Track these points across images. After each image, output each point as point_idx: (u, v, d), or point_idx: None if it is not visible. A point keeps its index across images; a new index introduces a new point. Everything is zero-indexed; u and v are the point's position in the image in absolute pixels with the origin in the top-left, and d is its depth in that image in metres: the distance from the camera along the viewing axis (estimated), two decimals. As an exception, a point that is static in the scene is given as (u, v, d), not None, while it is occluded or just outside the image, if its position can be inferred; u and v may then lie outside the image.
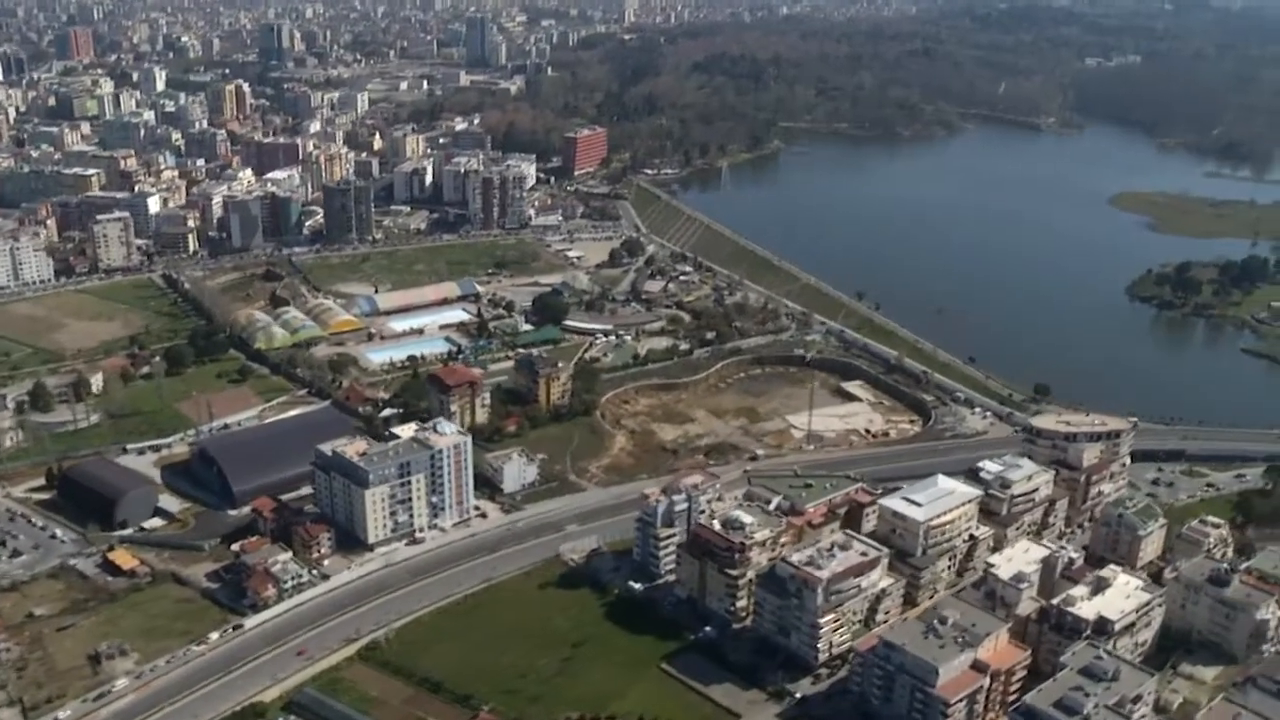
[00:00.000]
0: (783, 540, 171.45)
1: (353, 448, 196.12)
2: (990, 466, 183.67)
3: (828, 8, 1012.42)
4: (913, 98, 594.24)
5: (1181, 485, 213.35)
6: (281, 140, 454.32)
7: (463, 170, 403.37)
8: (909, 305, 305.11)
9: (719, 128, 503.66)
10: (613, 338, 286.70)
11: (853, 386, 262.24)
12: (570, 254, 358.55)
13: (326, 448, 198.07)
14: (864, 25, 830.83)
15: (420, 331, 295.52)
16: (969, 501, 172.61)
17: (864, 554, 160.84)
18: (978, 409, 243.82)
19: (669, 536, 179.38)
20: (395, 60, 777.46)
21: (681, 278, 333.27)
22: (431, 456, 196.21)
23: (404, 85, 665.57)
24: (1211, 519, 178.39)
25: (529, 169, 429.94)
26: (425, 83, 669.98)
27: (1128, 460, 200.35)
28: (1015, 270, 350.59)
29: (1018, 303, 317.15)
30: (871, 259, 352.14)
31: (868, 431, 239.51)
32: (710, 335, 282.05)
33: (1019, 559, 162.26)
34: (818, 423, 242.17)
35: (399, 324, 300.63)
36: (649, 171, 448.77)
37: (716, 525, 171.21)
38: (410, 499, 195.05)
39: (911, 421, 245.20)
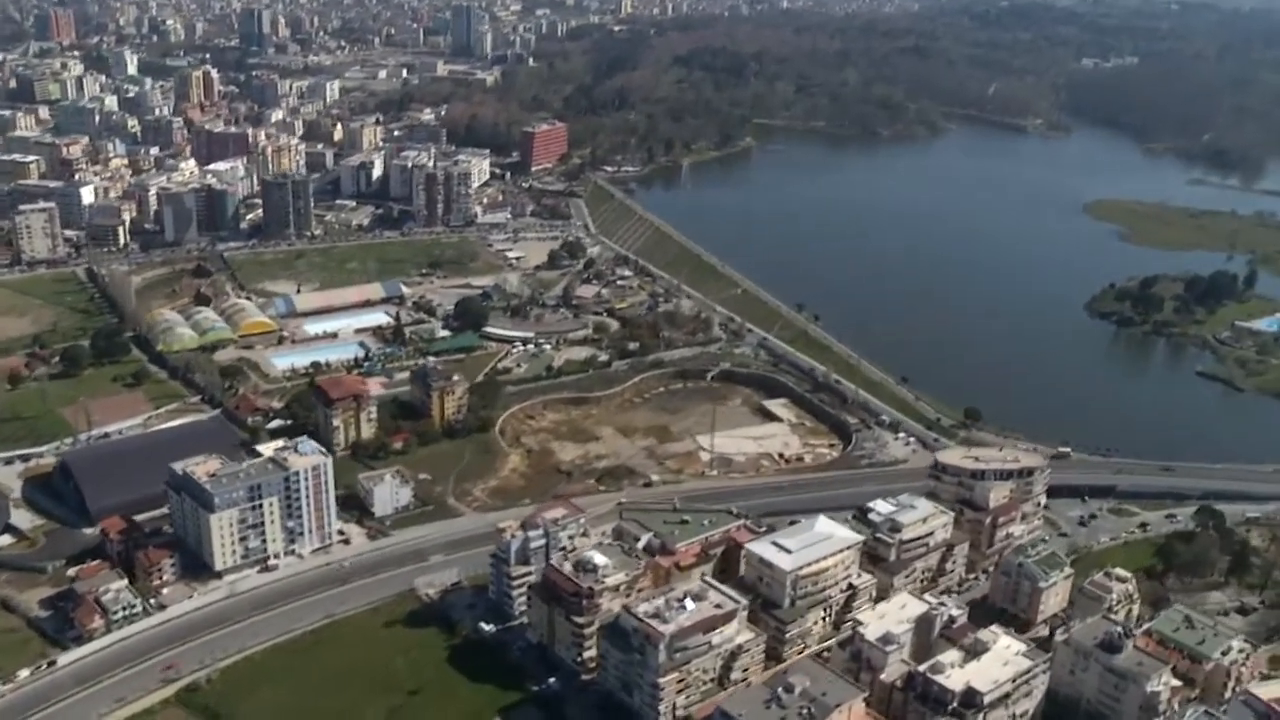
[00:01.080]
0: (640, 585, 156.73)
1: (203, 467, 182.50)
2: (881, 507, 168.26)
3: (830, 2, 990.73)
4: (896, 96, 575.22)
5: (1107, 525, 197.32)
6: (232, 130, 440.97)
7: (410, 165, 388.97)
8: (851, 317, 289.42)
9: (688, 124, 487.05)
10: (531, 346, 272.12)
11: (775, 405, 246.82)
12: (510, 254, 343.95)
13: (179, 466, 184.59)
14: (860, 21, 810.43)
15: (334, 335, 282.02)
16: (848, 547, 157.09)
17: (719, 606, 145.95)
18: (901, 434, 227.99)
19: (522, 576, 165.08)
20: (380, 48, 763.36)
21: (619, 282, 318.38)
22: (286, 479, 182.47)
23: (382, 74, 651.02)
24: (1117, 571, 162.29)
25: (482, 164, 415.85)
26: (405, 71, 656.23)
27: (1043, 499, 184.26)
28: (973, 281, 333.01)
29: (970, 316, 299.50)
30: (822, 266, 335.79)
31: (780, 456, 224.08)
32: (632, 346, 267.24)
33: (892, 616, 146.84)
34: (730, 445, 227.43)
35: (314, 327, 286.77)
36: (608, 169, 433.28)
37: (568, 567, 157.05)
38: (262, 523, 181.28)
39: (831, 446, 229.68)
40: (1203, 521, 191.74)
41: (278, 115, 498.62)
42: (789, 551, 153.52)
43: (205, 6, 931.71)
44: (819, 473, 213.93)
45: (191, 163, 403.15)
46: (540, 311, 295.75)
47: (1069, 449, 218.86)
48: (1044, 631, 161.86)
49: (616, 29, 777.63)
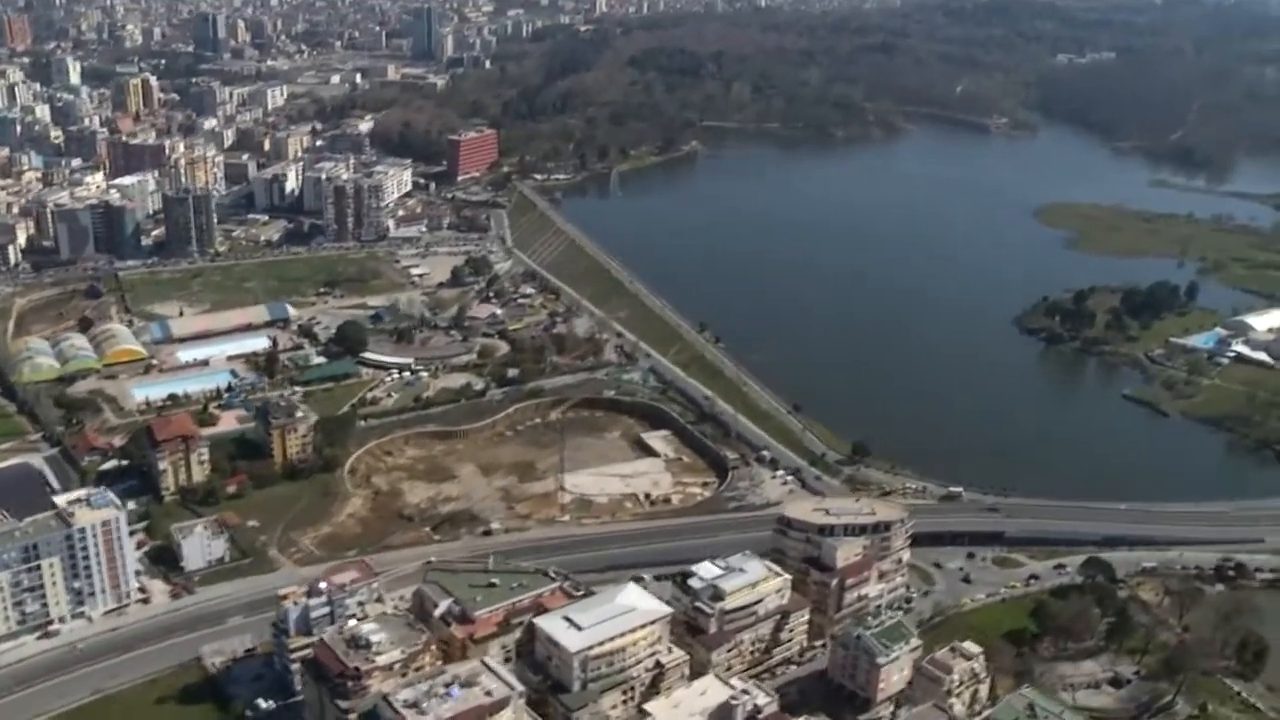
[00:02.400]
0: (421, 663, 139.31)
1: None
2: (705, 570, 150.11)
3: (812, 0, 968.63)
4: (856, 96, 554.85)
5: (988, 579, 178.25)
6: (149, 142, 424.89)
7: (325, 177, 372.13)
8: (756, 338, 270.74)
9: (630, 128, 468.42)
10: (407, 374, 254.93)
11: (654, 438, 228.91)
12: (415, 271, 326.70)
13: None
14: (833, 18, 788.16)
15: (205, 363, 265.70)
16: (654, 621, 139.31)
17: (489, 693, 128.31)
18: (781, 471, 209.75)
19: (302, 648, 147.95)
20: (340, 51, 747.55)
21: (519, 301, 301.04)
22: (69, 536, 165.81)
23: (335, 79, 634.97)
24: (964, 646, 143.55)
25: (403, 174, 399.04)
26: (359, 76, 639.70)
27: (905, 555, 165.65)
28: (900, 293, 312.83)
29: (887, 335, 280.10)
30: (740, 280, 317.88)
31: (646, 497, 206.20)
32: (512, 373, 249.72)
33: (688, 705, 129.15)
34: (594, 484, 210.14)
35: (188, 354, 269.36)
36: (538, 176, 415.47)
37: (341, 641, 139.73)
38: (42, 585, 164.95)
39: (705, 485, 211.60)
40: (1089, 574, 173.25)
41: (210, 124, 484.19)
42: (579, 628, 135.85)
43: (173, 10, 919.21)
44: (680, 518, 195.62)
45: (99, 176, 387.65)
46: (428, 335, 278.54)
47: (961, 489, 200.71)
48: (886, 712, 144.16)
49: (583, 29, 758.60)
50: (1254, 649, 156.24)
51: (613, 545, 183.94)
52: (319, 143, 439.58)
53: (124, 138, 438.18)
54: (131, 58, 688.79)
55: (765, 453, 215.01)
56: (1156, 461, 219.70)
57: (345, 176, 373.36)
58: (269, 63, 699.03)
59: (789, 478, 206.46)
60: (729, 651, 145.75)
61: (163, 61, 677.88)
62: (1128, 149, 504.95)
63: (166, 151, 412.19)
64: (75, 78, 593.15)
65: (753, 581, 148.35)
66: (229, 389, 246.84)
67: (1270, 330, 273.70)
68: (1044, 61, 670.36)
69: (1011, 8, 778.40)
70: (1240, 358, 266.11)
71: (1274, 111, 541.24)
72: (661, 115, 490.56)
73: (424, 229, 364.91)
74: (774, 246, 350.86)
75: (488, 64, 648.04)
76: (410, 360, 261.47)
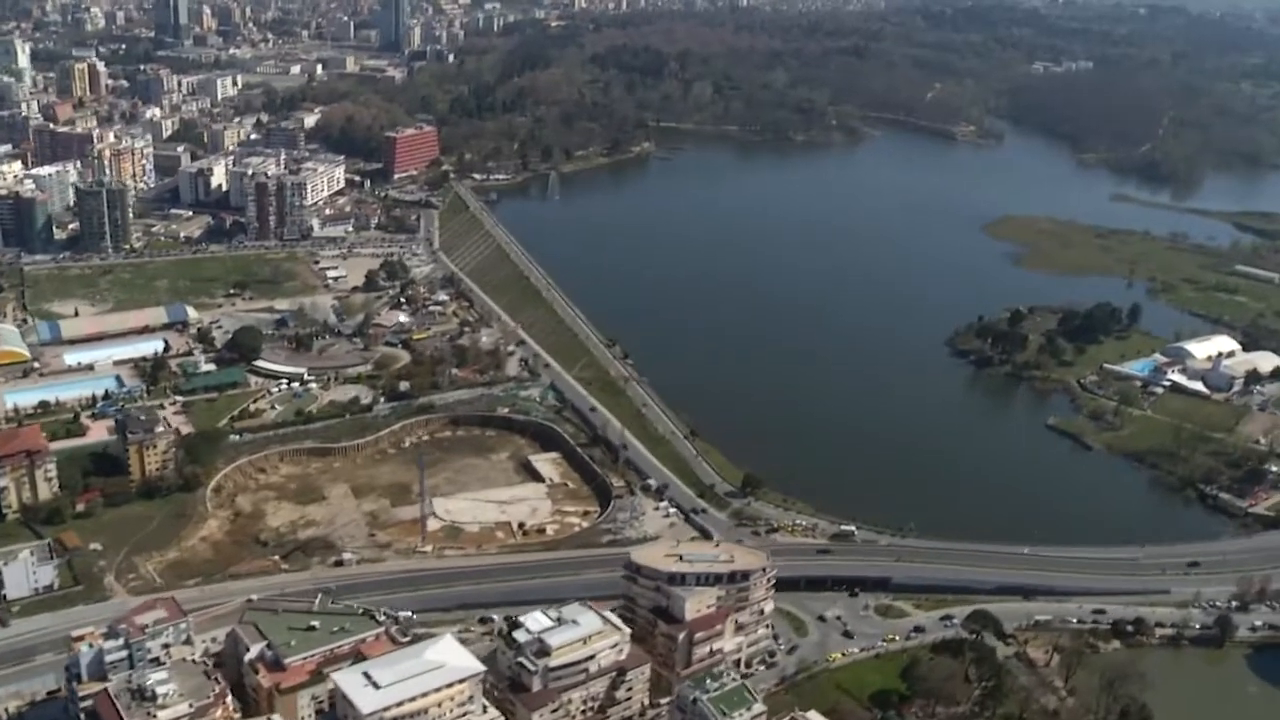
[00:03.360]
0: (209, 718, 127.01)
1: None
2: (535, 621, 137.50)
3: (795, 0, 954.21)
4: (820, 100, 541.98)
5: (868, 630, 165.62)
6: (77, 130, 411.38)
7: (251, 172, 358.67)
8: (669, 354, 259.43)
9: (580, 128, 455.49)
10: (296, 385, 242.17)
11: (542, 461, 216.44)
12: (331, 273, 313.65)
13: None
14: (810, 20, 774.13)
15: (91, 368, 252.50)
16: (463, 680, 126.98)
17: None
18: (665, 502, 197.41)
19: (91, 696, 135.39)
20: (307, 41, 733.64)
21: (431, 308, 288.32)
22: None
23: (295, 69, 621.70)
24: (807, 717, 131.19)
25: (335, 171, 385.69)
26: (320, 67, 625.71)
27: (767, 606, 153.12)
28: (833, 310, 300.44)
29: (812, 355, 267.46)
30: (666, 290, 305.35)
31: (520, 526, 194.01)
32: (404, 386, 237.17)
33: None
34: (468, 510, 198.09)
35: (74, 357, 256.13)
36: (477, 176, 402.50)
37: (126, 691, 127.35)
38: None
39: (585, 514, 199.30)
40: (973, 628, 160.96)
41: (152, 113, 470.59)
42: (377, 686, 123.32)
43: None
44: (550, 552, 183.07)
45: (17, 165, 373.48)
46: (329, 342, 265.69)
47: (853, 528, 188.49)
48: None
49: (553, 24, 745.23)
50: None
51: (468, 581, 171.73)
52: (253, 136, 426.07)
53: (57, 125, 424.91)
54: (91, 41, 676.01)
55: (651, 482, 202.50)
56: (1072, 500, 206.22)
57: (272, 172, 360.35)
58: (232, 51, 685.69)
59: (672, 510, 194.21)
60: (554, 712, 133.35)
61: (122, 46, 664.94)
62: (1093, 161, 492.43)
63: (96, 141, 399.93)
64: (24, 60, 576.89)
65: (585, 635, 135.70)
66: (105, 396, 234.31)
67: (1210, 358, 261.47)
68: (1019, 69, 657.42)
69: (991, 14, 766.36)
70: (1176, 387, 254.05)
71: (1243, 128, 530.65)
72: (613, 115, 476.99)
73: (350, 229, 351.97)
74: (708, 256, 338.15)
75: (451, 58, 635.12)
76: (303, 370, 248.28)
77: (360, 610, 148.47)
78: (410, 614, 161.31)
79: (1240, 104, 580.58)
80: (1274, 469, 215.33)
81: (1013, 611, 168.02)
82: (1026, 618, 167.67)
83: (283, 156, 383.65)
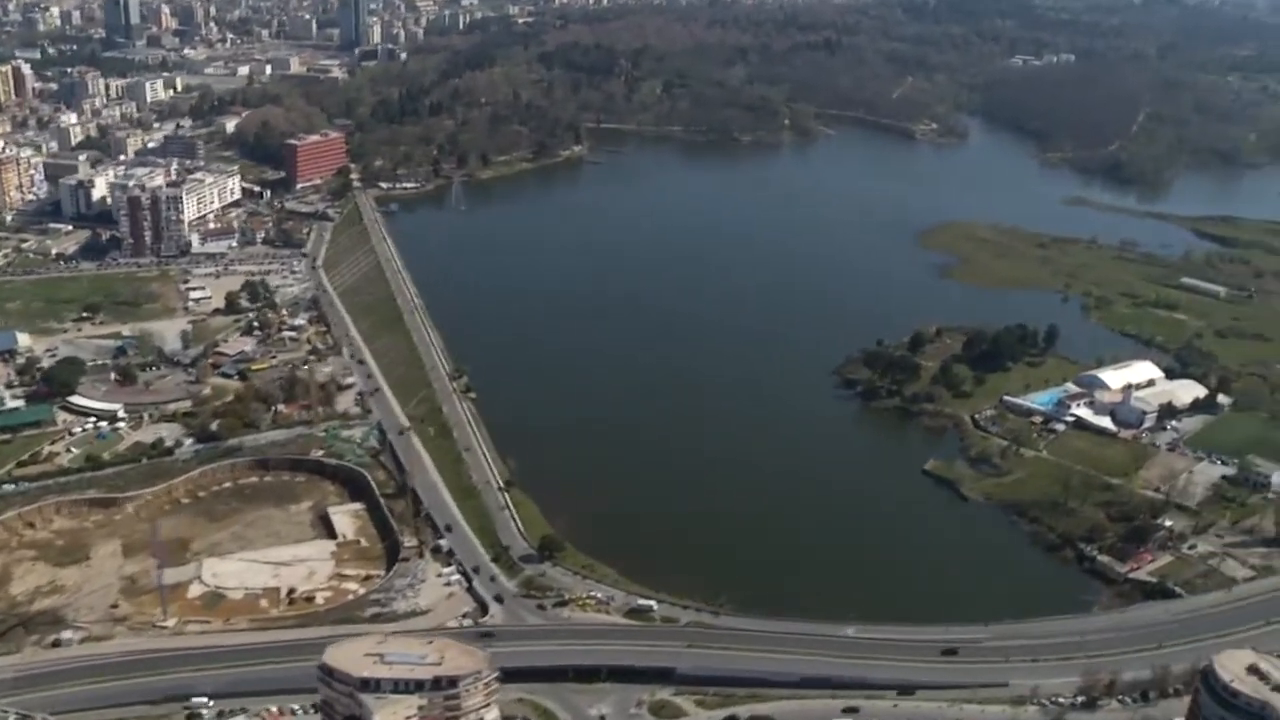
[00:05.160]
0: None
1: None
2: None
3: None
4: (776, 98, 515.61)
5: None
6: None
7: (133, 185, 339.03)
8: (520, 388, 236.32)
9: (508, 131, 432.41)
10: (105, 424, 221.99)
11: (343, 513, 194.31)
12: (194, 294, 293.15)
13: None
14: (786, 13, 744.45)
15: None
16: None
17: None
18: (452, 567, 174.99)
19: None
20: (266, 41, 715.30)
21: (286, 333, 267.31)
22: None
23: (243, 70, 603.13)
24: None
25: (228, 182, 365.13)
26: (269, 68, 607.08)
27: (486, 715, 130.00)
28: (731, 332, 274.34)
29: (681, 388, 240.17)
30: (544, 312, 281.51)
31: (291, 593, 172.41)
32: (214, 426, 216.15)
33: None
34: (242, 573, 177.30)
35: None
36: (384, 185, 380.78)
37: None
38: None
39: (368, 578, 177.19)
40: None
41: (67, 119, 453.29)
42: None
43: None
44: (302, 628, 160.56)
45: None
46: (161, 374, 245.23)
47: (654, 602, 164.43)
48: None
49: (520, 20, 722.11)
50: None
51: (190, 666, 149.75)
52: (151, 144, 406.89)
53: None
54: (41, 41, 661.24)
55: (443, 542, 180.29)
56: (928, 564, 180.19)
57: (157, 184, 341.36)
58: (186, 51, 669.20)
59: (455, 577, 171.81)
60: None
61: (72, 47, 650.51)
62: (1056, 161, 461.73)
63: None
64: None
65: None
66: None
67: (1123, 388, 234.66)
68: (997, 63, 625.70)
69: (976, 5, 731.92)
70: (1079, 423, 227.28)
71: (1222, 124, 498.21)
72: (545, 117, 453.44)
73: (234, 244, 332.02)
74: (609, 270, 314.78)
75: (402, 56, 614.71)
76: (119, 406, 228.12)
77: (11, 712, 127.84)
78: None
79: (1223, 99, 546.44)
80: (1167, 523, 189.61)
81: (812, 712, 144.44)
82: (827, 717, 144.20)
83: (174, 166, 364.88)
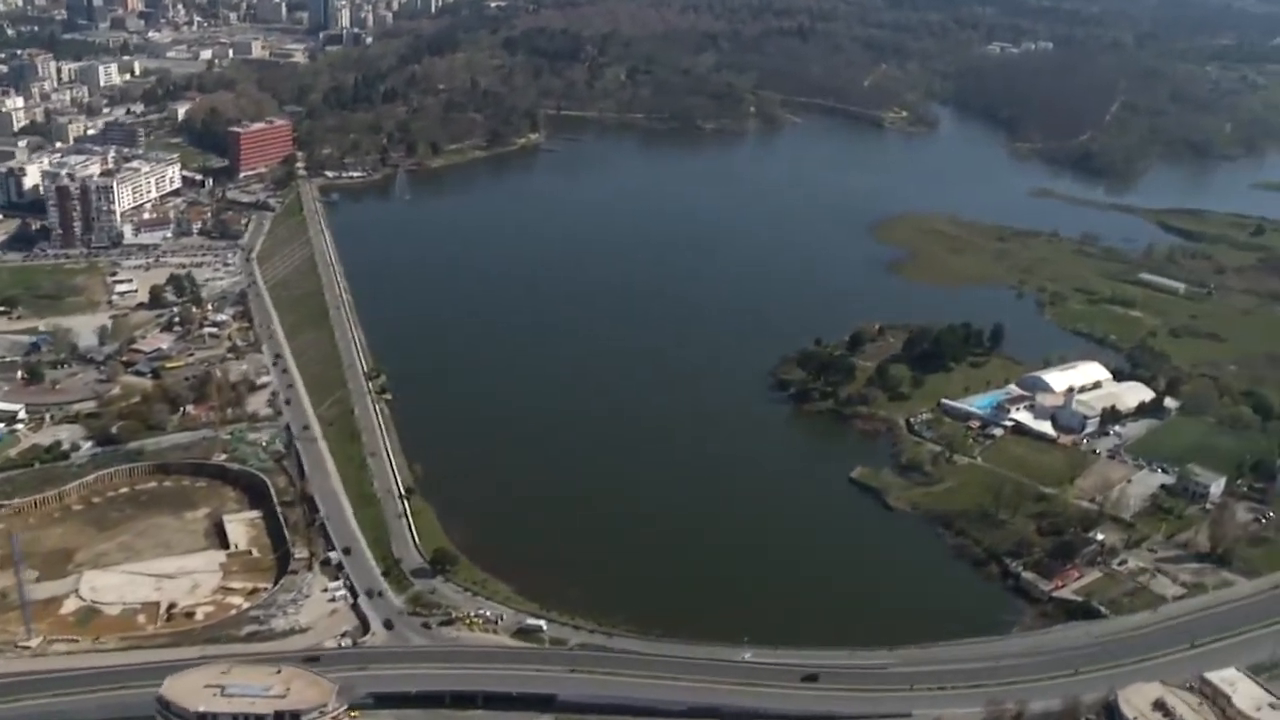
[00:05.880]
0: None
1: None
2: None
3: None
4: (743, 85, 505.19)
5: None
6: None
7: (64, 174, 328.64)
8: (441, 386, 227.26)
9: (461, 119, 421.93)
10: (2, 426, 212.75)
11: (238, 521, 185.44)
12: (120, 287, 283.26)
13: None
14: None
15: None
16: None
17: None
18: (338, 581, 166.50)
19: None
20: (235, 24, 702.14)
21: (207, 329, 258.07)
22: None
23: (205, 54, 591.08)
24: None
25: (168, 170, 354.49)
26: (232, 52, 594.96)
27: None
28: (668, 330, 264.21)
29: (620, 386, 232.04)
30: (482, 307, 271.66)
31: (171, 608, 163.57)
32: (115, 429, 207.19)
33: None
34: (122, 587, 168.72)
35: None
36: (330, 174, 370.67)
37: None
38: None
39: (254, 592, 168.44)
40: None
41: (14, 104, 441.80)
42: None
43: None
44: (175, 647, 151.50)
45: None
46: (68, 373, 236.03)
47: (543, 623, 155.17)
48: None
49: (492, 4, 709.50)
50: None
51: (47, 691, 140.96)
52: (90, 130, 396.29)
53: None
54: (2, 22, 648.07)
55: (333, 554, 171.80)
56: (844, 581, 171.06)
57: (91, 172, 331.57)
58: (151, 34, 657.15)
59: (341, 593, 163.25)
60: None
61: (34, 28, 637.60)
62: (1025, 151, 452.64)
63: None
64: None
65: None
66: None
67: (1066, 391, 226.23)
68: (973, 51, 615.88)
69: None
70: (1018, 428, 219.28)
71: (1197, 115, 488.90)
72: (502, 104, 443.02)
73: (167, 235, 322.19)
74: (552, 264, 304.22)
75: (368, 41, 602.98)
76: (20, 407, 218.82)
77: None
78: None
79: (1200, 88, 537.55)
80: (1099, 537, 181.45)
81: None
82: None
83: (111, 155, 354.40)
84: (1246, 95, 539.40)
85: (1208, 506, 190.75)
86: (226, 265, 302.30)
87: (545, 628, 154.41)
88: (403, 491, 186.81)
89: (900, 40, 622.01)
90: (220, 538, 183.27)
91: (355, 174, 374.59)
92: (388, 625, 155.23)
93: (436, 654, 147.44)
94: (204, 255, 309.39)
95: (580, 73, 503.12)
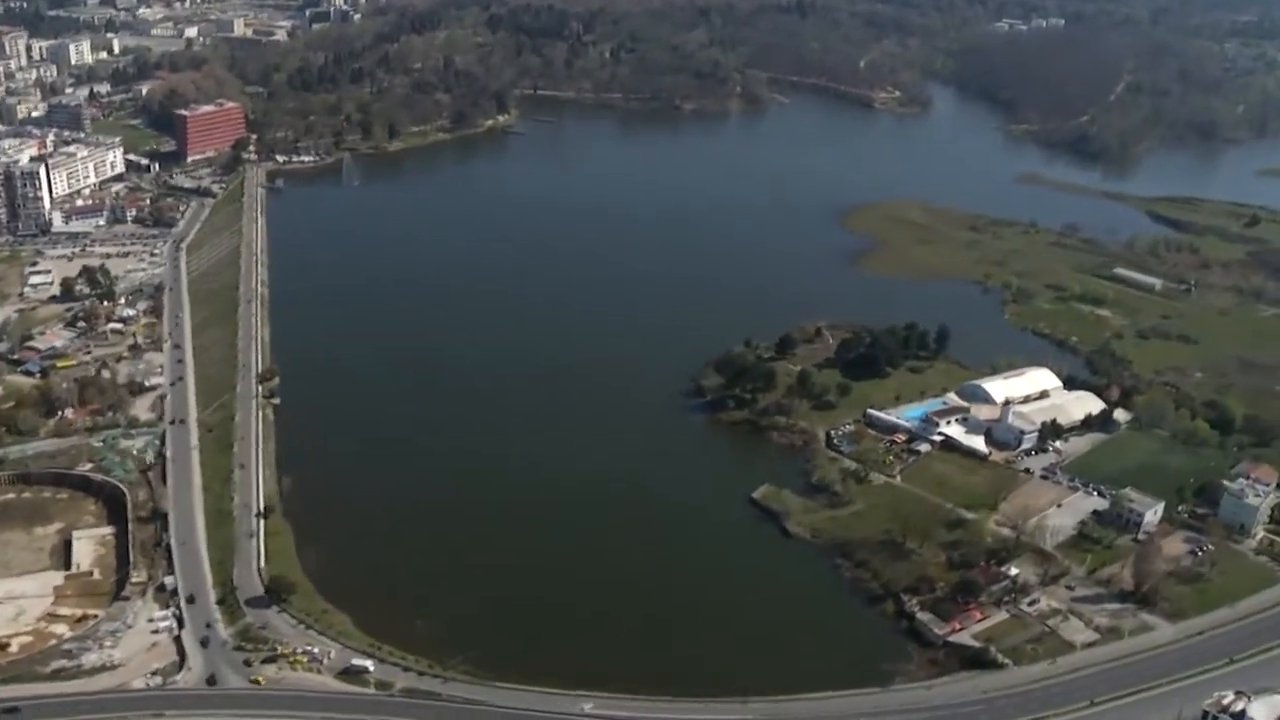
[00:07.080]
0: None
1: None
2: None
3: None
4: (730, 64, 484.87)
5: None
6: None
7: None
8: (335, 399, 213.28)
9: (428, 100, 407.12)
10: None
11: (86, 539, 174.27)
12: (34, 279, 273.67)
13: None
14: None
15: None
16: None
17: None
18: (168, 609, 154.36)
19: None
20: (226, 0, 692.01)
21: (112, 325, 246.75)
22: None
23: (191, 31, 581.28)
24: None
25: (109, 155, 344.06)
26: (217, 30, 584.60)
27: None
28: (600, 329, 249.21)
29: (525, 393, 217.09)
30: (408, 303, 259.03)
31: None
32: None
33: None
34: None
35: None
36: (280, 159, 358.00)
37: None
38: None
39: (83, 620, 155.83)
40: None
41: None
42: None
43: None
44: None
45: None
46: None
47: (370, 664, 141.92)
48: None
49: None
50: None
51: None
52: (35, 112, 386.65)
53: None
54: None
55: (169, 579, 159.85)
56: (720, 619, 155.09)
57: (25, 156, 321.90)
58: (141, 10, 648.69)
59: (167, 623, 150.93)
60: None
61: (22, 4, 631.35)
62: (1020, 133, 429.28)
63: None
64: None
65: None
66: None
67: (1004, 402, 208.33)
68: (979, 28, 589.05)
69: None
70: (948, 442, 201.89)
71: (1205, 95, 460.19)
72: (473, 84, 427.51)
73: (100, 222, 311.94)
74: (482, 258, 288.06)
75: (356, 18, 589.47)
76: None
77: None
78: None
79: (1213, 67, 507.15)
80: (1012, 572, 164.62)
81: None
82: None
83: (50, 138, 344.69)
84: (1262, 74, 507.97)
85: (1139, 537, 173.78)
86: (153, 255, 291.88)
87: (372, 668, 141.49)
88: (260, 510, 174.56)
89: (904, 16, 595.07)
90: (66, 557, 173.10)
91: (307, 158, 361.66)
92: (207, 662, 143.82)
93: (236, 698, 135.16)
94: (133, 244, 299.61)
95: (562, 51, 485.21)
